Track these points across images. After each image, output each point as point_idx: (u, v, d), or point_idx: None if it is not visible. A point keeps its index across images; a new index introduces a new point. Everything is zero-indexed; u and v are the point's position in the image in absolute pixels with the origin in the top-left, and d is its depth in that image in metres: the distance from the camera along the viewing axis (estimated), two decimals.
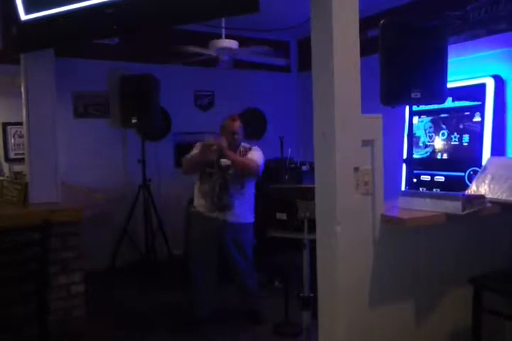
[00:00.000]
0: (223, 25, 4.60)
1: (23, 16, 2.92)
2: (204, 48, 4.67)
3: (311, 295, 2.99)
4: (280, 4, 4.62)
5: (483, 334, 2.55)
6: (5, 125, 5.54)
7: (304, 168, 5.53)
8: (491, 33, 4.29)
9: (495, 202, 2.65)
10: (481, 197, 2.60)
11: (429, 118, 4.82)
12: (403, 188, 4.76)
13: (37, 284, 2.75)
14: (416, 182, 4.65)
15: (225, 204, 3.81)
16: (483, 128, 4.26)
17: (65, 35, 2.92)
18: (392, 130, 3.96)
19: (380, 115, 2.43)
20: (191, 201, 4.09)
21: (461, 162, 4.43)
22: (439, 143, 4.73)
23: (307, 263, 3.05)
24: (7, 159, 5.53)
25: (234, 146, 3.92)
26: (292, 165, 5.53)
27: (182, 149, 4.16)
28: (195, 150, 3.95)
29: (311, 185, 2.54)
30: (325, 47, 2.30)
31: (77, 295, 3.28)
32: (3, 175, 4.70)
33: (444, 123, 4.69)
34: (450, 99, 4.33)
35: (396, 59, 3.25)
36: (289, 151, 5.37)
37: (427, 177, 4.74)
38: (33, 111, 3.40)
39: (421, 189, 4.59)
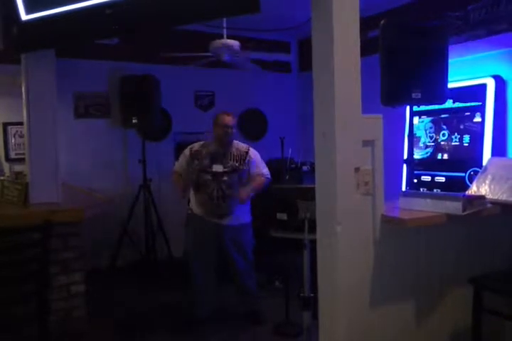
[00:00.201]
0: (224, 25, 4.60)
1: (24, 16, 2.93)
2: (205, 49, 4.67)
3: (312, 295, 2.99)
4: (281, 5, 4.61)
5: (483, 334, 2.55)
6: (6, 125, 5.54)
7: (305, 168, 5.53)
8: (491, 33, 4.29)
9: (495, 203, 2.65)
10: (482, 197, 2.61)
11: (430, 118, 4.82)
12: (404, 189, 4.75)
13: (37, 284, 2.75)
14: (416, 183, 4.65)
15: (223, 213, 3.81)
16: (484, 129, 4.26)
17: (66, 35, 2.92)
18: (393, 130, 3.95)
19: (381, 115, 2.43)
20: (189, 201, 4.08)
21: (461, 162, 4.43)
22: (439, 143, 4.73)
23: (307, 263, 3.04)
24: (8, 159, 5.54)
25: (226, 142, 3.84)
26: (293, 166, 5.53)
27: (182, 149, 4.15)
28: (180, 161, 3.98)
29: (312, 185, 2.54)
30: (325, 47, 2.30)
31: (77, 296, 3.27)
32: (3, 175, 4.70)
33: (444, 124, 4.68)
34: (451, 99, 4.33)
35: (396, 59, 3.25)
36: (290, 151, 5.37)
37: (428, 178, 4.74)
38: (34, 111, 3.40)
39: (421, 189, 4.58)
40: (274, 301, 4.13)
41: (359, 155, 2.36)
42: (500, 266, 2.80)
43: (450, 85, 3.48)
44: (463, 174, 4.35)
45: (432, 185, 4.66)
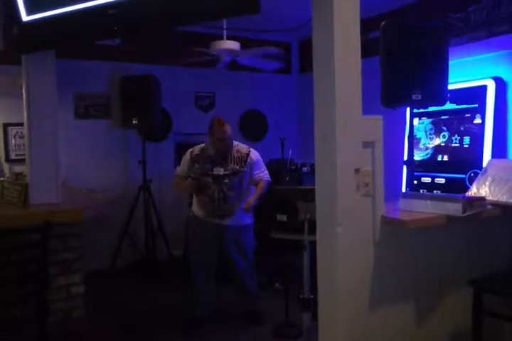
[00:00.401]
0: (225, 26, 4.60)
1: (25, 17, 2.93)
2: (205, 50, 4.68)
3: (312, 296, 2.99)
4: (281, 6, 4.62)
5: (483, 335, 2.55)
6: (6, 126, 5.54)
7: (305, 169, 5.53)
8: (492, 35, 4.29)
9: (495, 204, 2.65)
10: (482, 199, 2.61)
11: (430, 120, 4.82)
12: (404, 190, 4.75)
13: (37, 285, 2.75)
14: (416, 184, 4.65)
15: (225, 214, 3.81)
16: (484, 130, 4.26)
17: (67, 36, 2.93)
18: (393, 132, 3.96)
19: (381, 117, 2.43)
20: (191, 204, 4.09)
21: (461, 164, 4.43)
22: (439, 145, 4.72)
23: (307, 264, 3.04)
24: (8, 160, 5.54)
25: (225, 150, 3.81)
26: (293, 167, 5.53)
27: (183, 150, 4.15)
28: (181, 165, 3.97)
29: (312, 187, 2.53)
30: (326, 48, 2.30)
31: (77, 296, 3.28)
32: (3, 176, 4.71)
33: (444, 125, 4.68)
34: (451, 101, 4.33)
35: (397, 60, 3.25)
36: (290, 152, 5.37)
37: (428, 179, 4.74)
38: (34, 111, 3.41)
39: (421, 191, 4.58)
40: (274, 302, 4.13)
41: (359, 156, 2.36)
42: (500, 267, 2.80)
43: (450, 87, 3.47)
44: (463, 175, 4.35)
45: (432, 186, 4.66)
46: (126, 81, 5.42)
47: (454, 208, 2.44)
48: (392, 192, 2.81)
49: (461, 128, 4.50)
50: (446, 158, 4.66)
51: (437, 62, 3.32)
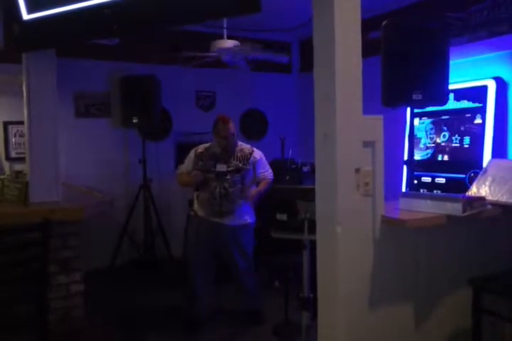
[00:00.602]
0: (225, 25, 4.60)
1: (26, 16, 2.93)
2: (207, 51, 4.67)
3: (311, 295, 2.99)
4: (282, 5, 4.61)
5: (482, 335, 2.55)
6: (6, 124, 5.56)
7: (305, 168, 5.52)
8: (492, 35, 4.29)
9: (495, 204, 2.65)
10: (482, 199, 2.61)
11: (430, 119, 4.82)
12: (404, 190, 4.75)
13: (37, 283, 2.75)
14: (417, 184, 4.65)
15: (225, 211, 3.81)
16: (485, 130, 4.26)
17: (67, 35, 2.93)
18: (394, 131, 3.95)
19: (381, 116, 2.43)
20: (191, 203, 4.09)
21: (462, 164, 4.43)
22: (440, 144, 4.72)
23: (307, 263, 3.05)
24: (8, 158, 5.55)
25: (228, 148, 3.85)
26: (293, 166, 5.52)
27: (183, 149, 4.17)
28: (185, 163, 3.97)
29: (312, 186, 2.53)
30: (327, 47, 2.30)
31: (76, 295, 3.28)
32: (4, 174, 4.71)
33: (445, 125, 4.68)
34: (451, 100, 4.33)
35: (397, 60, 3.24)
36: (290, 152, 5.36)
37: (428, 179, 4.74)
38: (35, 110, 3.41)
39: (421, 190, 4.59)
40: (274, 301, 4.13)
41: (359, 156, 2.36)
42: (500, 267, 2.79)
43: (451, 87, 3.47)
44: (463, 175, 4.35)
45: (432, 186, 4.66)
46: (126, 80, 5.42)
47: (454, 208, 2.44)
48: (392, 191, 2.80)
49: (462, 128, 4.50)
50: (446, 157, 4.66)
51: (438, 62, 3.32)
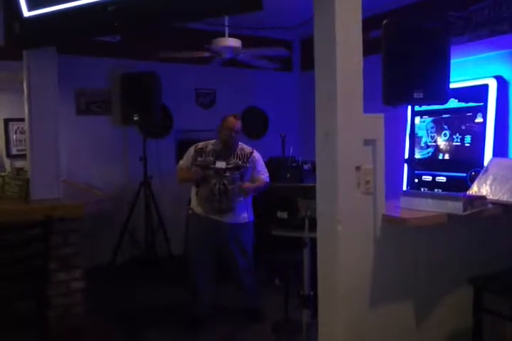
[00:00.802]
0: (226, 23, 4.59)
1: (26, 13, 2.93)
2: (208, 49, 4.68)
3: (311, 293, 2.99)
4: (283, 3, 4.61)
5: (483, 334, 2.55)
6: (7, 121, 5.56)
7: (306, 166, 5.52)
8: (493, 34, 4.28)
9: (496, 203, 2.65)
10: (483, 198, 2.61)
11: (431, 118, 4.82)
12: (404, 188, 4.75)
13: (38, 280, 2.76)
14: (417, 183, 4.65)
15: (225, 208, 3.81)
16: (485, 129, 4.26)
17: (68, 32, 2.93)
18: (394, 130, 3.95)
19: (382, 115, 2.43)
20: (189, 201, 4.09)
21: (462, 163, 4.43)
22: (440, 143, 4.72)
23: (308, 261, 3.05)
24: (9, 155, 5.56)
25: (230, 145, 3.86)
26: (294, 164, 5.52)
27: (183, 147, 4.16)
28: (185, 159, 3.98)
29: (313, 184, 2.53)
30: (328, 46, 2.30)
31: (76, 292, 3.29)
32: (5, 171, 4.71)
33: (446, 124, 4.68)
34: (452, 99, 4.33)
35: (398, 59, 3.24)
36: (291, 150, 5.36)
37: (429, 178, 4.74)
38: (35, 107, 3.41)
39: (422, 189, 4.59)
40: (274, 299, 4.13)
41: (360, 154, 2.36)
42: (501, 266, 2.79)
43: (452, 85, 3.47)
44: (464, 174, 4.35)
45: (432, 184, 4.66)
46: (127, 77, 5.42)
47: (454, 207, 2.44)
48: (393, 190, 2.80)
49: (463, 127, 4.50)
50: (447, 156, 4.66)
51: (439, 61, 3.31)
